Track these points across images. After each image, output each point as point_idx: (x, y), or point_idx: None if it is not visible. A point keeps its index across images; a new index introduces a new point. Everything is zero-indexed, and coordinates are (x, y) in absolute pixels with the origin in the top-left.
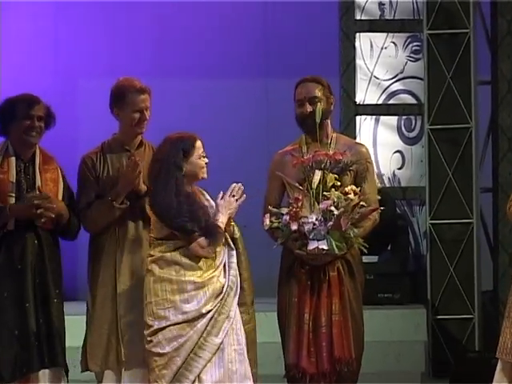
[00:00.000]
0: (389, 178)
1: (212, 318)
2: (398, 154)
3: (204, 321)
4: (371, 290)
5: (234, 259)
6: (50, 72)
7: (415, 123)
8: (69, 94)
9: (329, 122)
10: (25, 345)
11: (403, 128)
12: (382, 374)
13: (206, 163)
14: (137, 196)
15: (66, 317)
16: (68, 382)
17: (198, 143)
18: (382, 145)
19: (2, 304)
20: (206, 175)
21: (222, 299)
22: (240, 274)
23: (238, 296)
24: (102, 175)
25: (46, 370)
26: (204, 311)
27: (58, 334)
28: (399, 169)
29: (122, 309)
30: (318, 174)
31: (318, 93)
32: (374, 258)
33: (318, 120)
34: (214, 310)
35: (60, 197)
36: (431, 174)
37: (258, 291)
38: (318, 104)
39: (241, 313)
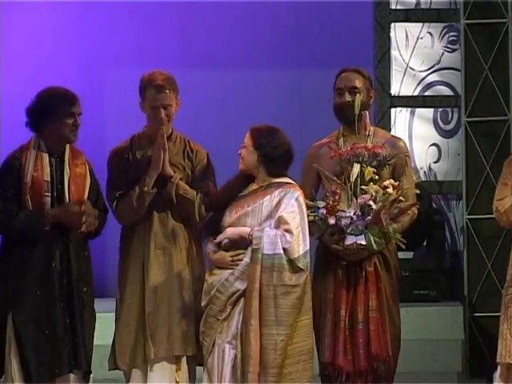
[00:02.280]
0: (425, 172)
1: (205, 316)
2: (434, 147)
3: (202, 321)
4: (407, 286)
5: (241, 267)
6: (77, 63)
7: (452, 115)
8: (96, 85)
9: (367, 114)
10: (55, 345)
11: (439, 120)
12: (417, 374)
13: (238, 154)
14: (164, 181)
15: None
16: (92, 382)
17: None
18: (418, 138)
19: (35, 302)
20: (240, 166)
21: (211, 298)
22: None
23: (232, 300)
24: (130, 170)
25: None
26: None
27: (80, 336)
28: (435, 162)
29: (150, 306)
30: (356, 167)
31: (359, 83)
32: (410, 254)
33: (356, 111)
34: (207, 309)
35: (86, 192)
36: (468, 167)
37: None
38: (358, 95)
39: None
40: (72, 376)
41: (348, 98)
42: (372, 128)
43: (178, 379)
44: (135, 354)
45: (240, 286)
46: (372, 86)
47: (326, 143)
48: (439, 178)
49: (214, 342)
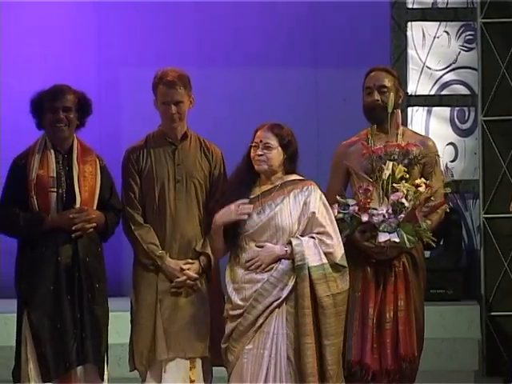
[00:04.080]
0: (441, 171)
1: (237, 325)
2: (450, 146)
3: (230, 329)
4: None
5: (277, 274)
6: (94, 62)
7: (468, 114)
8: (112, 84)
9: (399, 113)
10: (65, 339)
11: (456, 119)
12: (434, 372)
13: (258, 155)
14: None
15: (110, 313)
16: (108, 379)
17: (258, 133)
18: (435, 137)
19: (47, 297)
20: (257, 167)
21: (246, 309)
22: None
23: (269, 310)
24: (145, 169)
25: (81, 367)
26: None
27: (88, 330)
28: (452, 161)
29: (165, 308)
30: (389, 165)
31: (388, 83)
32: (427, 254)
33: (389, 110)
34: (240, 319)
35: (98, 190)
36: (485, 166)
37: None
38: (391, 94)
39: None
40: (81, 370)
41: (377, 96)
42: (401, 127)
43: (192, 378)
44: (151, 355)
45: (279, 293)
46: (401, 86)
47: (356, 141)
48: (456, 177)
49: (243, 347)
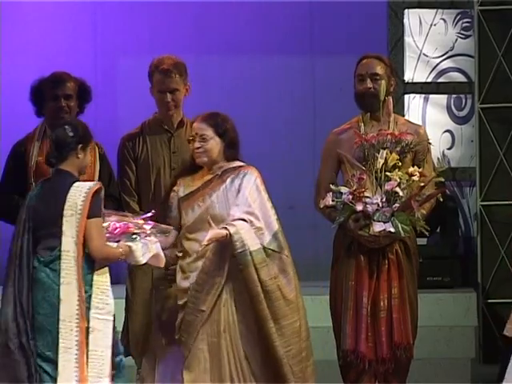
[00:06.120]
0: (438, 159)
1: (184, 315)
2: (447, 134)
3: (179, 319)
4: (420, 273)
5: (208, 262)
6: (90, 50)
7: (465, 102)
8: (109, 72)
9: (391, 100)
10: None
11: (453, 107)
12: (431, 360)
13: (196, 148)
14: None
15: None
16: None
17: (194, 125)
18: (431, 124)
19: None
20: (197, 160)
21: (190, 297)
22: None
23: (213, 293)
24: (141, 156)
25: None
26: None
27: None
28: (449, 149)
29: (160, 295)
30: (383, 154)
31: (380, 70)
32: (423, 241)
33: (381, 98)
34: (185, 309)
35: (96, 177)
36: (482, 154)
37: (303, 275)
38: (383, 81)
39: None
40: None
41: (369, 84)
42: (393, 115)
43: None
44: (147, 343)
45: (212, 279)
46: (393, 74)
47: (347, 129)
48: (453, 165)
49: (195, 337)
